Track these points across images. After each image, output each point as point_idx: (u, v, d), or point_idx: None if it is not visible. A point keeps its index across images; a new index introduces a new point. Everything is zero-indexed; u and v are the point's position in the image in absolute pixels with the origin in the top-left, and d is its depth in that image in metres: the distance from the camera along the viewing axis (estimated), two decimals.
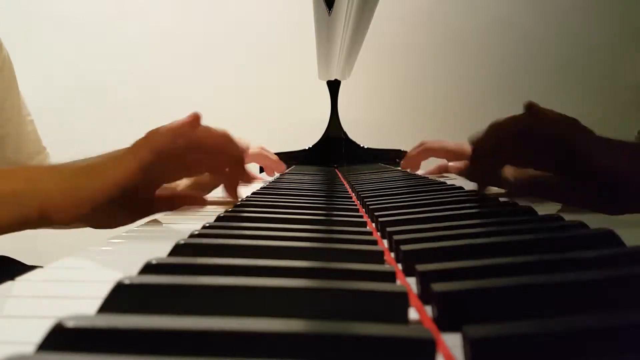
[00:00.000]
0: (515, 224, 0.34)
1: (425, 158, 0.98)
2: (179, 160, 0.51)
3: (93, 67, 1.64)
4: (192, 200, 0.56)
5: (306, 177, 0.88)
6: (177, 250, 0.29)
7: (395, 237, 0.32)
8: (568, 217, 0.36)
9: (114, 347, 0.16)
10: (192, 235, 0.33)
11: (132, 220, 0.51)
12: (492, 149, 0.46)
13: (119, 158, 0.45)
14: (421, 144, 0.98)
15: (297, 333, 0.16)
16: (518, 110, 0.45)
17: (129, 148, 0.46)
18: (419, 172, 1.00)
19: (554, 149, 0.44)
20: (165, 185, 0.55)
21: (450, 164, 0.97)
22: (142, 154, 0.45)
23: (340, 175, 0.98)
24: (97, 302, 0.20)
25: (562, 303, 0.20)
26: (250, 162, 0.86)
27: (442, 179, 0.76)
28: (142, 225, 0.45)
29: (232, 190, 0.56)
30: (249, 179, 0.59)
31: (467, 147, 0.77)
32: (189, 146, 0.50)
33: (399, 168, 1.19)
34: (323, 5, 0.53)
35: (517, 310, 0.20)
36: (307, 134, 1.31)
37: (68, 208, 0.42)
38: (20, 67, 0.80)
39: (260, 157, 0.87)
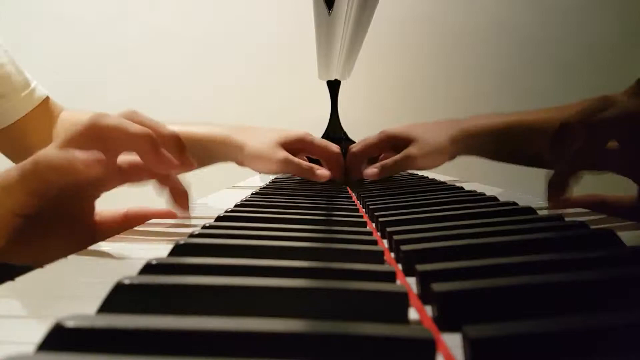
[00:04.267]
0: (515, 224, 0.34)
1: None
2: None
3: (93, 67, 1.64)
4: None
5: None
6: (177, 250, 0.29)
7: (395, 237, 0.32)
8: (568, 217, 0.36)
9: (114, 347, 0.16)
10: (192, 235, 0.33)
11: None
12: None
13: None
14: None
15: (297, 333, 0.16)
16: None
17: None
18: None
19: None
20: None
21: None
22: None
23: None
24: (97, 302, 0.20)
25: (562, 303, 0.20)
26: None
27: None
28: (141, 226, 0.45)
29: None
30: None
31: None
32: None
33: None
34: (323, 5, 0.53)
35: (517, 310, 0.20)
36: None
37: None
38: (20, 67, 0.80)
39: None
